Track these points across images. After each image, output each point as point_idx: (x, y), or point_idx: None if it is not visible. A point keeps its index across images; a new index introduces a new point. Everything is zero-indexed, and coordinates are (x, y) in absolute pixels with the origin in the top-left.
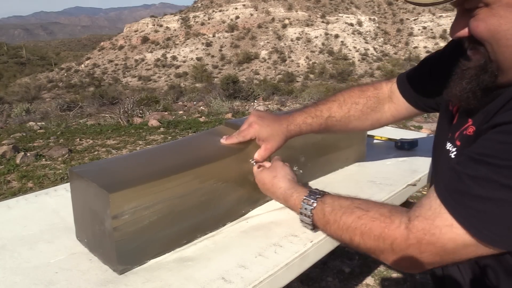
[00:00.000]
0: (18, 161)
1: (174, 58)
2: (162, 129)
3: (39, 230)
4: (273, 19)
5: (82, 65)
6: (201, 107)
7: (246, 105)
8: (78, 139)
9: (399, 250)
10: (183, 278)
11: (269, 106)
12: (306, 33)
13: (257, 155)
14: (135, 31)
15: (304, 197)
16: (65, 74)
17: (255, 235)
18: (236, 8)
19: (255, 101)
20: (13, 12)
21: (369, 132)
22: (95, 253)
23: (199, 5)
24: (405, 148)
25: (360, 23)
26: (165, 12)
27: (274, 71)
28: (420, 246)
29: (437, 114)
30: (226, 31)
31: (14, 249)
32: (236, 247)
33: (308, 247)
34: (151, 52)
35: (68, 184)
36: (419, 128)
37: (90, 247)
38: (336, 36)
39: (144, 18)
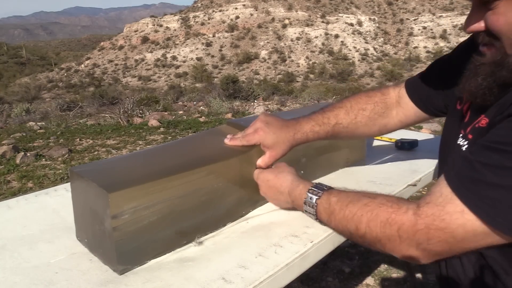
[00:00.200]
0: (18, 161)
1: (174, 58)
2: (162, 129)
3: (39, 230)
4: (273, 19)
5: (82, 65)
6: (201, 107)
7: (246, 105)
8: (78, 139)
9: (406, 236)
10: (183, 278)
11: (269, 106)
12: (306, 33)
13: (261, 162)
14: (135, 31)
15: (310, 188)
16: (65, 74)
17: (256, 235)
18: (236, 8)
19: (255, 101)
20: (13, 12)
21: None
22: (95, 253)
23: (199, 5)
24: (405, 148)
25: (360, 23)
26: (165, 12)
27: (274, 71)
28: (428, 232)
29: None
30: (226, 31)
31: (14, 249)
32: (237, 247)
33: (309, 247)
34: (151, 52)
35: (68, 184)
36: (419, 128)
37: (90, 247)
38: (336, 36)
39: (144, 18)
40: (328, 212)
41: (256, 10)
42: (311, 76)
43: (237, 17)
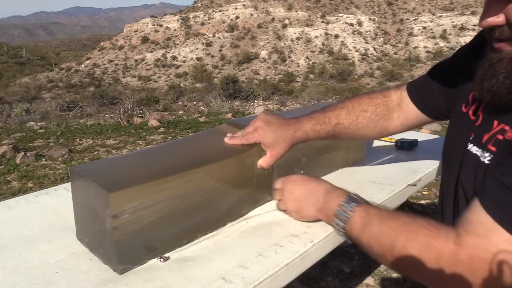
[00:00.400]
0: (18, 161)
1: (174, 58)
2: (162, 129)
3: (39, 230)
4: (273, 19)
5: (82, 65)
6: (201, 107)
7: (246, 105)
8: (78, 139)
9: (445, 266)
10: (183, 278)
11: (269, 106)
12: (306, 33)
13: (262, 162)
14: (135, 31)
15: (351, 194)
16: (65, 74)
17: (256, 235)
18: (236, 8)
19: (255, 101)
20: (13, 12)
21: None
22: (95, 252)
23: (199, 5)
24: (405, 148)
25: (360, 23)
26: (165, 12)
27: (274, 71)
28: (471, 264)
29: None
30: (226, 31)
31: (14, 249)
32: (237, 247)
33: (309, 247)
34: (151, 52)
35: (68, 184)
36: (419, 128)
37: (90, 246)
38: (336, 36)
39: (144, 18)
40: (364, 222)
41: (256, 10)
42: (311, 76)
43: (237, 17)
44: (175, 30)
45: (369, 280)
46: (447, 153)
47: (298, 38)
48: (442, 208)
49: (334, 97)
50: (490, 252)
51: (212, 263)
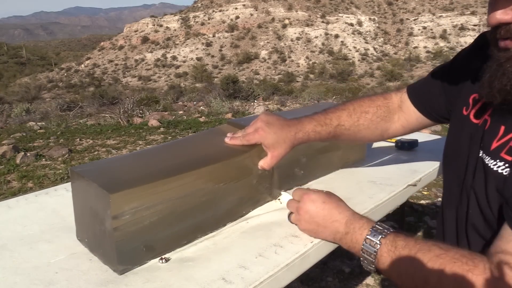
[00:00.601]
0: (18, 161)
1: (174, 58)
2: (162, 129)
3: (39, 230)
4: (273, 19)
5: (82, 65)
6: (201, 107)
7: (246, 105)
8: (78, 139)
9: None
10: (183, 279)
11: (269, 106)
12: (306, 33)
13: (264, 163)
14: (135, 31)
15: (375, 225)
16: (65, 74)
17: (256, 235)
18: (236, 8)
19: (255, 101)
20: (13, 12)
21: None
22: (96, 253)
23: (199, 5)
24: (405, 148)
25: (360, 23)
26: (165, 12)
27: (274, 71)
28: None
29: None
30: (226, 31)
31: (14, 249)
32: (237, 247)
33: (309, 247)
34: (151, 52)
35: (68, 184)
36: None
37: (90, 247)
38: (336, 36)
39: (144, 18)
40: (392, 256)
41: (256, 10)
42: (311, 76)
43: (237, 17)
44: (175, 30)
45: (369, 280)
46: (449, 156)
47: (298, 38)
48: (442, 209)
49: (334, 97)
50: None
51: (212, 264)
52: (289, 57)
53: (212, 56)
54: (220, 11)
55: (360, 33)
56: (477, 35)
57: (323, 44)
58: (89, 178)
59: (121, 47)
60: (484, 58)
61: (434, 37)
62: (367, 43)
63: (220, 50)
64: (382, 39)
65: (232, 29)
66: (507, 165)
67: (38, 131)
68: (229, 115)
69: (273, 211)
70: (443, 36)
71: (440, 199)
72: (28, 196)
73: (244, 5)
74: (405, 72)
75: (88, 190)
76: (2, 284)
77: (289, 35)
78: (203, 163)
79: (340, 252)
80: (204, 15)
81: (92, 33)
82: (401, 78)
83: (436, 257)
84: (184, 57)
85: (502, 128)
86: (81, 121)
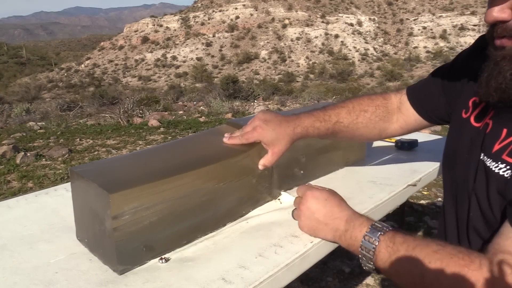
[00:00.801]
0: (18, 161)
1: (174, 58)
2: (162, 129)
3: (39, 230)
4: (273, 19)
5: (82, 65)
6: (201, 107)
7: (246, 105)
8: (78, 139)
9: None
10: (183, 279)
11: (269, 106)
12: (306, 33)
13: (265, 161)
14: (135, 31)
15: (374, 223)
16: (65, 74)
17: (256, 235)
18: (236, 8)
19: (255, 101)
20: (13, 12)
21: None
22: (95, 253)
23: (199, 5)
24: (405, 148)
25: (360, 23)
26: (165, 12)
27: (274, 71)
28: None
29: None
30: (226, 31)
31: (14, 249)
32: (236, 247)
33: (309, 247)
34: (151, 52)
35: (68, 184)
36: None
37: (90, 247)
38: (336, 36)
39: (144, 18)
40: (390, 252)
41: (256, 10)
42: (311, 76)
43: (237, 17)
44: (175, 30)
45: (369, 280)
46: (449, 159)
47: (298, 38)
48: (444, 211)
49: (334, 97)
50: None
51: (212, 264)
52: (289, 57)
53: (212, 56)
54: (220, 11)
55: (360, 33)
56: (477, 35)
57: (323, 44)
58: (89, 178)
59: (121, 47)
60: (484, 60)
61: (434, 37)
62: (367, 43)
63: (220, 50)
64: (382, 39)
65: (232, 29)
66: (508, 167)
67: (38, 131)
68: (229, 115)
69: (273, 211)
70: (443, 36)
71: (440, 199)
72: (28, 196)
73: (244, 5)
74: (405, 72)
75: (88, 190)
76: (2, 284)
77: (289, 35)
78: (202, 163)
79: (340, 252)
80: (204, 15)
81: (92, 33)
82: (401, 78)
83: (433, 253)
84: (184, 57)
85: (504, 131)
86: (81, 121)
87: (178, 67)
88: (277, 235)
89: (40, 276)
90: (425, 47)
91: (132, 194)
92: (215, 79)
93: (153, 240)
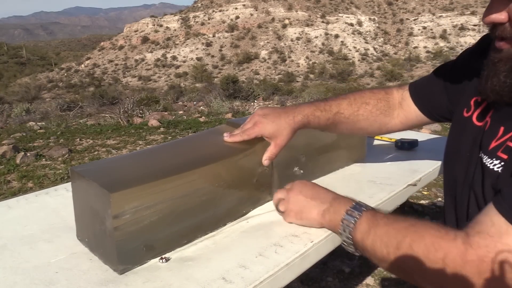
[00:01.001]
0: (18, 161)
1: (174, 58)
2: (162, 129)
3: (39, 230)
4: (273, 19)
5: (82, 65)
6: (201, 107)
7: (246, 105)
8: (78, 139)
9: (452, 266)
10: (183, 278)
11: (269, 106)
12: (306, 33)
13: (268, 153)
14: (135, 31)
15: (358, 202)
16: (65, 74)
17: (256, 235)
18: (236, 8)
19: (255, 101)
20: (13, 12)
21: None
22: (96, 252)
23: (199, 5)
24: (405, 148)
25: (360, 23)
26: (165, 12)
27: (274, 71)
28: (480, 264)
29: None
30: (226, 31)
31: (14, 249)
32: (237, 247)
33: (309, 247)
34: (151, 52)
35: (69, 183)
36: (419, 128)
37: (90, 246)
38: (336, 36)
39: (144, 18)
40: (370, 225)
41: (256, 10)
42: (311, 76)
43: (237, 17)
44: (175, 30)
45: (369, 280)
46: (449, 157)
47: (298, 38)
48: (444, 211)
49: None
50: (501, 252)
51: (212, 263)
52: (289, 57)
53: (212, 56)
54: (220, 11)
55: (360, 33)
56: (477, 35)
57: (323, 44)
58: (90, 178)
59: (121, 47)
60: (487, 58)
61: (434, 37)
62: (367, 43)
63: (220, 50)
64: (382, 39)
65: (232, 29)
66: (502, 163)
67: (38, 131)
68: (229, 115)
69: (273, 211)
70: (443, 36)
71: (440, 199)
72: (28, 196)
73: (244, 5)
74: (405, 72)
75: (88, 189)
76: (2, 284)
77: (289, 35)
78: (203, 162)
79: (340, 252)
80: (204, 15)
81: (92, 33)
82: (401, 78)
83: (410, 226)
84: (184, 57)
85: (502, 128)
86: (81, 121)
87: (178, 67)
88: (277, 234)
89: (40, 276)
90: (425, 47)
91: (132, 193)
92: (215, 79)
93: (153, 240)
